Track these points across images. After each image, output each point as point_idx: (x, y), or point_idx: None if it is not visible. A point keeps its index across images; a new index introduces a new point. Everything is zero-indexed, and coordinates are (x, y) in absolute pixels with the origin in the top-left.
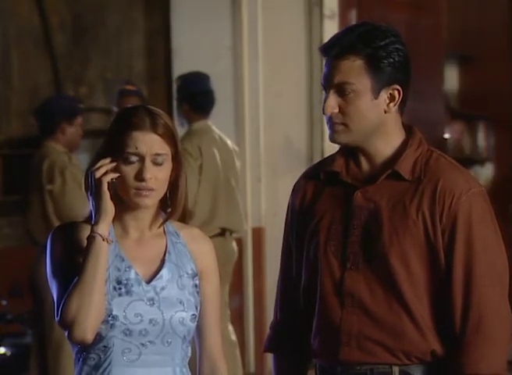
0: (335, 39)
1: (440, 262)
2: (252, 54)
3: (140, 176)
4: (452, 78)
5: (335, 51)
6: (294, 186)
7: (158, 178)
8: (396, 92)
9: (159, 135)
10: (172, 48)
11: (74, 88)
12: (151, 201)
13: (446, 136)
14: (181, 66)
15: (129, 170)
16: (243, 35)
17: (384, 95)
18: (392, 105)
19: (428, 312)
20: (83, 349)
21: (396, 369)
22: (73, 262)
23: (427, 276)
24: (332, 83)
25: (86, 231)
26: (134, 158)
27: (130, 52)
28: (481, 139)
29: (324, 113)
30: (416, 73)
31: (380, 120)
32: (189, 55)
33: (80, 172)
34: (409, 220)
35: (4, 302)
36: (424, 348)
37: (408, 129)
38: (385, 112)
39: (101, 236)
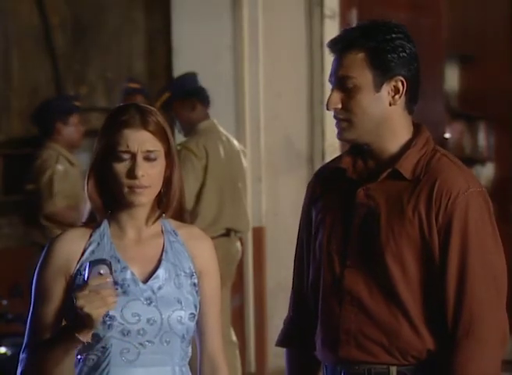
0: (341, 34)
1: (435, 261)
2: (252, 54)
3: (132, 174)
4: (452, 78)
5: (340, 45)
6: (308, 183)
7: (150, 175)
8: (399, 84)
9: (150, 132)
10: (173, 47)
11: (74, 88)
12: (145, 199)
13: (447, 136)
14: (181, 65)
15: (121, 168)
16: (244, 35)
17: (387, 88)
18: (397, 97)
19: (423, 311)
20: (83, 350)
21: (393, 370)
22: (59, 283)
23: (422, 276)
24: (335, 78)
25: (82, 238)
26: (126, 156)
27: (130, 52)
28: (482, 139)
29: (327, 109)
30: None
31: (384, 115)
32: (189, 55)
33: (64, 172)
34: (405, 220)
35: (4, 302)
36: (419, 347)
37: (416, 127)
38: (390, 104)
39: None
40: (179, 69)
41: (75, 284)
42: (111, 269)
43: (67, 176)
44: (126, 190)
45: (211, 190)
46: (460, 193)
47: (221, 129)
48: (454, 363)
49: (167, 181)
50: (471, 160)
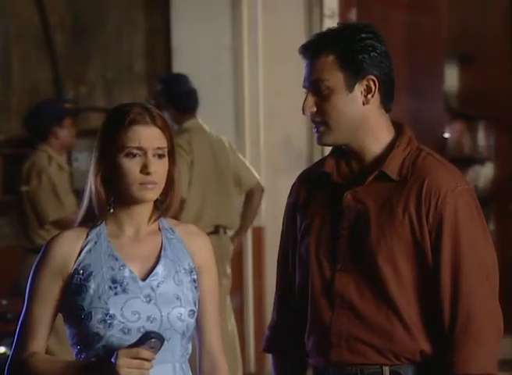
0: (311, 39)
1: (428, 262)
2: (252, 53)
3: (145, 170)
4: (452, 78)
5: (311, 50)
6: (291, 188)
7: (158, 172)
8: (371, 83)
9: (159, 128)
10: (172, 47)
11: (74, 88)
12: (154, 195)
13: (446, 135)
14: (181, 65)
15: (133, 164)
16: (243, 35)
17: (359, 88)
18: (370, 96)
19: (416, 312)
20: (83, 350)
21: (386, 370)
22: (56, 284)
23: (415, 277)
24: (309, 83)
25: (79, 238)
26: (137, 153)
27: (130, 52)
28: (481, 139)
29: (303, 114)
30: (416, 72)
31: (360, 115)
32: (189, 55)
33: (58, 176)
34: (396, 221)
35: (4, 302)
36: (413, 349)
37: (398, 127)
38: (364, 103)
39: None
40: (179, 69)
41: (72, 284)
42: (161, 346)
43: (61, 178)
44: (136, 186)
45: (196, 185)
46: (448, 192)
47: (206, 127)
48: (454, 363)
49: (169, 180)
50: (471, 160)
